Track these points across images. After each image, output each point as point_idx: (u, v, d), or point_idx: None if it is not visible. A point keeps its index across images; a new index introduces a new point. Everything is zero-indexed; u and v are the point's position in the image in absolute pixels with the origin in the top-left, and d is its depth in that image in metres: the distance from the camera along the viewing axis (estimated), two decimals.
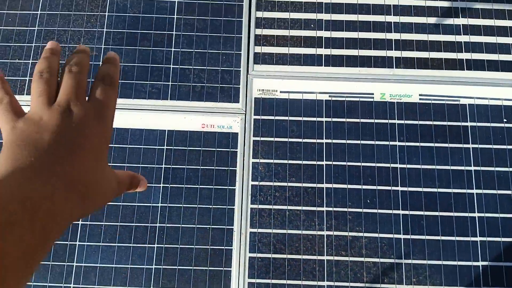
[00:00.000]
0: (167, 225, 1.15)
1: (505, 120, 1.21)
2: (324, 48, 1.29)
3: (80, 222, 1.15)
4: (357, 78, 1.26)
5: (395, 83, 1.25)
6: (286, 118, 1.22)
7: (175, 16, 1.31)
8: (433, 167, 1.18)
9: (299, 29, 1.31)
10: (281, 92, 1.24)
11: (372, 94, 1.24)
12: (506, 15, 1.31)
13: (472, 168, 1.18)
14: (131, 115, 1.22)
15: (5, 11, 1.31)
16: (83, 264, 1.12)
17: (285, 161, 1.19)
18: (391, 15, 1.32)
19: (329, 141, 1.20)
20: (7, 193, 0.30)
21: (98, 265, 1.12)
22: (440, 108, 1.23)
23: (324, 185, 1.17)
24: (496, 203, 1.15)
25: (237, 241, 1.14)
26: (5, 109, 0.38)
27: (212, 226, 1.15)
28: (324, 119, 1.22)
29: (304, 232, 1.14)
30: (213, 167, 1.19)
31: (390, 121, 1.22)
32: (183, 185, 1.17)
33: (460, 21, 1.31)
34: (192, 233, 1.14)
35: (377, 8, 1.32)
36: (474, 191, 1.16)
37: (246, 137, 1.21)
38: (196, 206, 1.16)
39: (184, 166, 1.19)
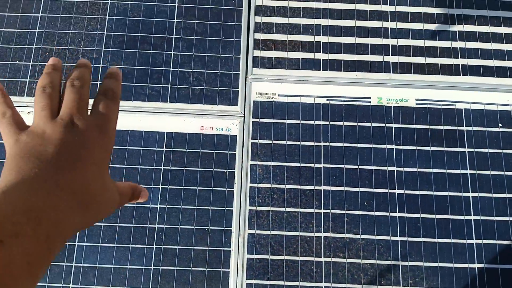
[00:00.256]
0: (166, 226, 1.15)
1: (500, 124, 1.23)
2: (322, 52, 1.31)
3: None
4: (355, 82, 1.28)
5: (392, 87, 1.27)
6: (284, 121, 1.24)
7: (175, 20, 1.33)
8: (430, 170, 1.19)
9: (298, 34, 1.33)
10: (279, 95, 1.26)
11: (369, 98, 1.26)
12: (501, 22, 1.33)
13: (468, 171, 1.19)
14: (131, 117, 1.23)
15: (6, 13, 1.32)
16: (82, 265, 1.13)
17: (283, 164, 1.20)
18: (388, 21, 1.34)
19: (327, 144, 1.21)
20: (11, 204, 0.31)
21: (97, 265, 1.12)
22: (436, 113, 1.24)
23: (322, 187, 1.18)
24: (492, 206, 1.16)
25: (235, 242, 1.15)
26: (8, 122, 0.38)
27: (210, 228, 1.16)
28: (321, 122, 1.23)
29: (302, 233, 1.15)
30: (212, 169, 1.20)
31: (387, 124, 1.23)
32: (182, 187, 1.18)
33: (456, 27, 1.33)
34: (190, 234, 1.15)
35: (375, 14, 1.34)
36: (470, 194, 1.17)
37: (245, 140, 1.22)
38: (195, 207, 1.17)
39: (183, 168, 1.20)
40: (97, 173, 0.38)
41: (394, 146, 1.21)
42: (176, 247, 1.14)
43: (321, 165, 1.20)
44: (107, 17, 1.33)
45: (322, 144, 1.22)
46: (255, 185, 1.18)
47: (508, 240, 1.14)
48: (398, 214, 1.16)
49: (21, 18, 1.32)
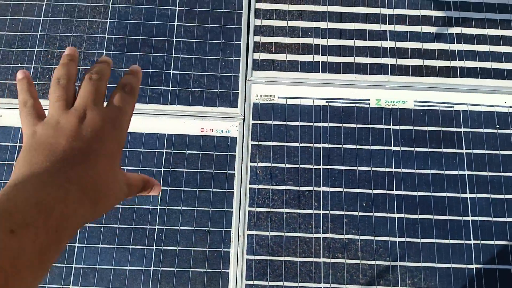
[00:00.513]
0: (166, 227, 1.16)
1: (497, 126, 1.24)
2: (321, 55, 1.32)
3: None
4: (353, 84, 1.29)
5: (390, 89, 1.28)
6: (284, 123, 1.25)
7: (176, 23, 1.34)
8: (428, 171, 1.20)
9: (297, 37, 1.34)
10: (279, 97, 1.27)
11: (368, 100, 1.27)
12: (498, 25, 1.34)
13: (466, 172, 1.20)
14: (132, 119, 1.24)
15: (8, 17, 1.33)
16: (82, 266, 1.13)
17: (283, 165, 1.21)
18: (386, 23, 1.35)
19: (326, 145, 1.22)
20: (23, 196, 0.32)
21: (97, 266, 1.13)
22: (434, 114, 1.25)
23: (321, 189, 1.19)
24: (489, 206, 1.17)
25: (235, 243, 1.15)
26: (28, 112, 0.39)
27: (210, 229, 1.16)
28: (321, 124, 1.24)
29: (301, 234, 1.16)
30: (212, 171, 1.21)
31: (386, 126, 1.24)
32: (182, 188, 1.19)
33: (454, 30, 1.34)
34: (190, 235, 1.16)
35: (373, 17, 1.36)
36: (468, 195, 1.18)
37: (245, 141, 1.23)
38: (195, 208, 1.18)
39: (183, 169, 1.21)
40: (108, 166, 0.39)
41: (392, 148, 1.22)
42: (176, 248, 1.15)
43: (320, 167, 1.21)
44: (108, 20, 1.34)
45: (321, 145, 1.22)
46: (254, 186, 1.19)
47: (506, 241, 1.15)
48: (396, 215, 1.17)
49: (23, 21, 1.33)
